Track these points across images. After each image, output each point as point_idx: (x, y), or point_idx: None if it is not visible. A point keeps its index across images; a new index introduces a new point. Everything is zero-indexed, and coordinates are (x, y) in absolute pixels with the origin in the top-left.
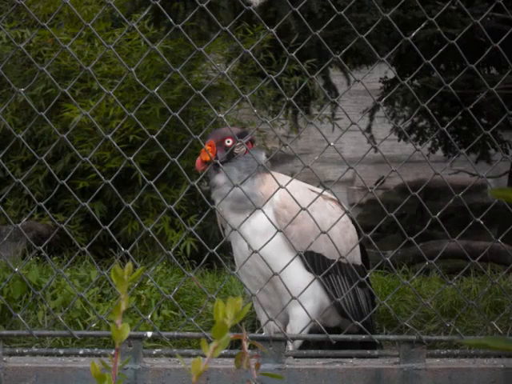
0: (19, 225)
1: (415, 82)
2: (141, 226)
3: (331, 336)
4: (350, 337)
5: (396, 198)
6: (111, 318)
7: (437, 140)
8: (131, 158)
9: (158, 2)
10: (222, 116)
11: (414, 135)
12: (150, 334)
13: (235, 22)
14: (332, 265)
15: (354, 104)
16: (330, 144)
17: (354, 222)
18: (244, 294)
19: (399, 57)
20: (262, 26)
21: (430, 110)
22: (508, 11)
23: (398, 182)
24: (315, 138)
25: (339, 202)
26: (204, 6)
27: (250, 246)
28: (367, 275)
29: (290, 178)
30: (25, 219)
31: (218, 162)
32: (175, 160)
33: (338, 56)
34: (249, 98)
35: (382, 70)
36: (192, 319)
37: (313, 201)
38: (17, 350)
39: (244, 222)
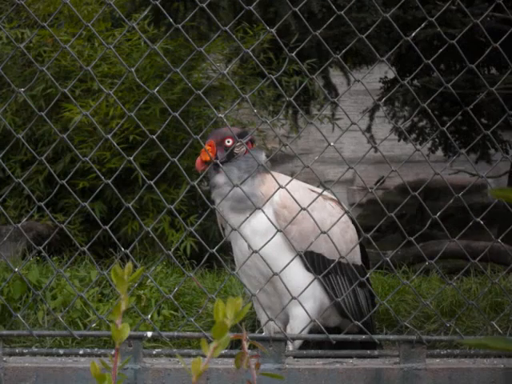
0: (19, 225)
1: (415, 82)
2: (141, 226)
3: (331, 336)
4: (350, 337)
5: (396, 197)
6: (111, 318)
7: (437, 140)
8: (131, 158)
9: (157, 2)
10: (222, 116)
11: (414, 135)
12: (149, 334)
13: (235, 22)
14: (332, 265)
15: (354, 104)
16: (330, 144)
17: (354, 222)
18: (244, 294)
19: (399, 57)
20: (261, 26)
21: (429, 110)
22: (508, 11)
23: (398, 181)
24: (315, 138)
25: (339, 202)
26: (204, 5)
27: (249, 246)
28: (367, 275)
29: (289, 178)
30: (25, 219)
31: (218, 162)
32: (175, 160)
33: (338, 56)
34: (249, 98)
35: (382, 70)
36: (192, 319)
37: (313, 201)
38: (17, 350)
39: (244, 221)
